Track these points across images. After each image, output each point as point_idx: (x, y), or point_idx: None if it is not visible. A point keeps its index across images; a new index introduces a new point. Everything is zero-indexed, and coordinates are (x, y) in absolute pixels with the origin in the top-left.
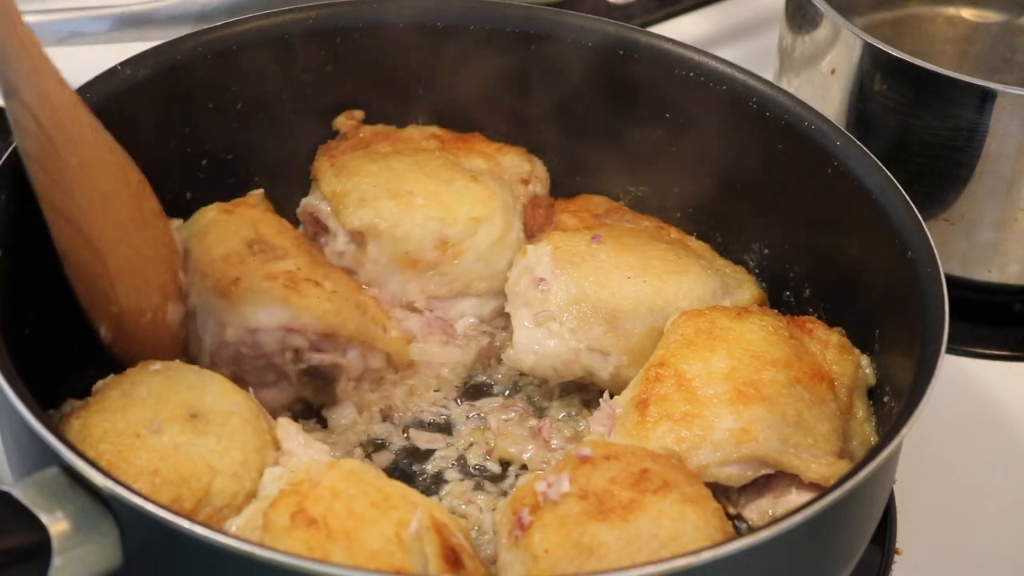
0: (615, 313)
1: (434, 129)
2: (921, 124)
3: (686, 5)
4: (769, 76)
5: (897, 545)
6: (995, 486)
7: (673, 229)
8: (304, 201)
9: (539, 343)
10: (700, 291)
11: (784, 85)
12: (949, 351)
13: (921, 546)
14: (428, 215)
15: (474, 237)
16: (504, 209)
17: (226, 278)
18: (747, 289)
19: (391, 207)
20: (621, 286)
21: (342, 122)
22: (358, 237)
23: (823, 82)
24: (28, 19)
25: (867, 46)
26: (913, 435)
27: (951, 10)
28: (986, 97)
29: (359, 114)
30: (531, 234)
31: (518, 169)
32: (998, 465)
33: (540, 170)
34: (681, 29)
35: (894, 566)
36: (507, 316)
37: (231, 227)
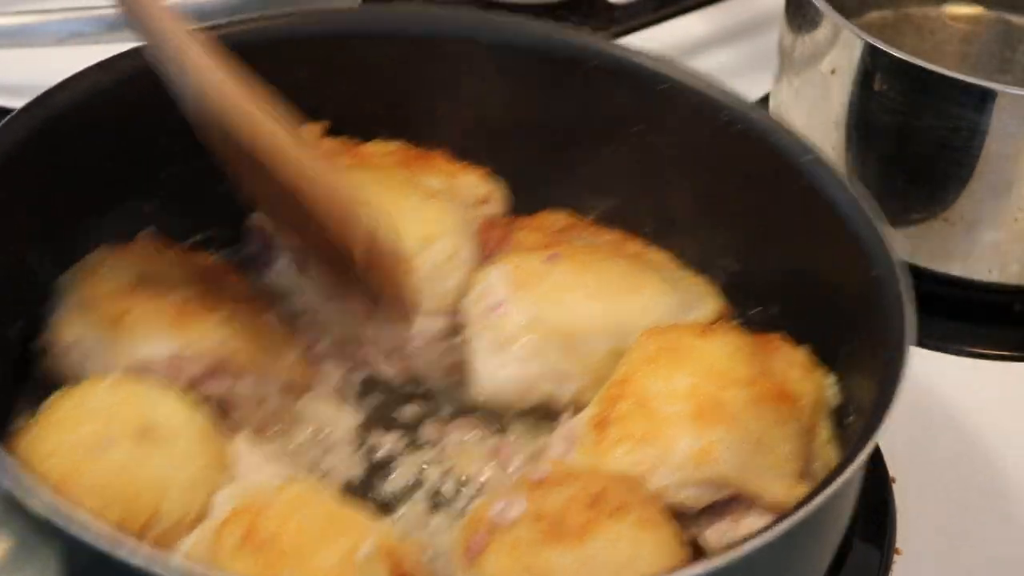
0: (573, 335)
1: (396, 145)
2: (921, 124)
3: (686, 5)
4: (769, 76)
5: (897, 545)
6: (995, 486)
7: (635, 241)
8: (254, 215)
9: (497, 370)
10: (660, 308)
11: (784, 85)
12: (949, 351)
13: (921, 546)
14: None
15: (423, 255)
16: (455, 229)
17: (112, 312)
18: (709, 302)
19: None
20: (578, 307)
21: None
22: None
23: (823, 82)
24: (27, 19)
25: (867, 46)
26: (913, 435)
27: (951, 10)
28: (986, 97)
29: (320, 126)
30: (488, 255)
31: (475, 190)
32: (998, 465)
33: (498, 193)
34: (681, 29)
35: (894, 566)
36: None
37: (119, 265)
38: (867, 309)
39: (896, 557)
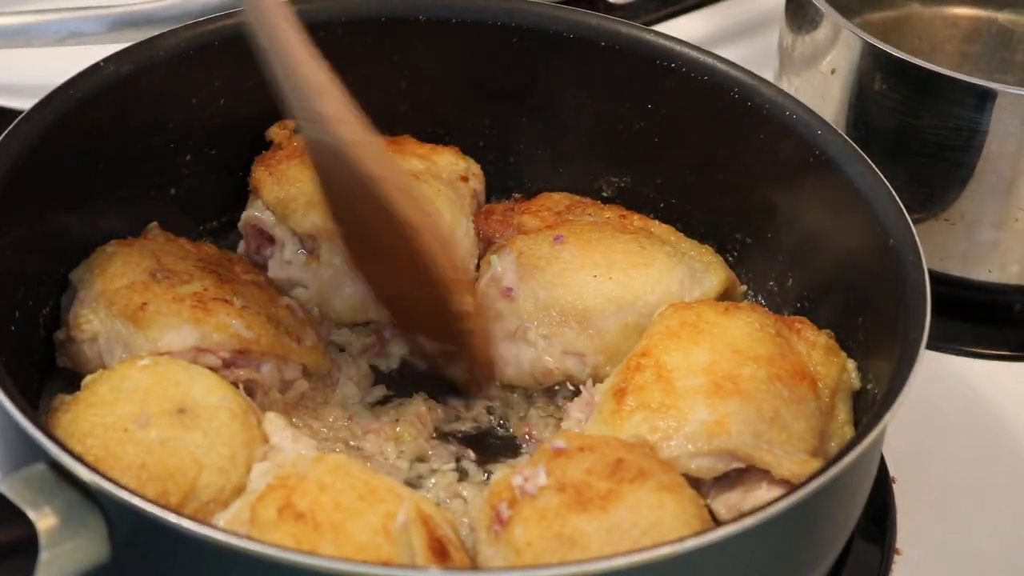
0: (585, 314)
1: None
2: (921, 124)
3: (686, 5)
4: (769, 76)
5: (897, 545)
6: (995, 486)
7: (635, 216)
8: (245, 215)
9: (515, 355)
10: (668, 281)
11: (784, 85)
12: (949, 351)
13: (921, 546)
14: None
15: None
16: (450, 205)
17: (132, 304)
18: (715, 272)
19: None
20: (588, 286)
21: (275, 132)
22: (309, 242)
23: (823, 82)
24: (27, 19)
25: (867, 46)
26: (913, 435)
27: (951, 10)
28: (986, 97)
29: (291, 123)
30: (491, 241)
31: (455, 167)
32: (998, 465)
33: (475, 167)
34: (681, 29)
35: (894, 566)
36: None
37: (133, 258)
38: (884, 280)
39: (896, 557)
